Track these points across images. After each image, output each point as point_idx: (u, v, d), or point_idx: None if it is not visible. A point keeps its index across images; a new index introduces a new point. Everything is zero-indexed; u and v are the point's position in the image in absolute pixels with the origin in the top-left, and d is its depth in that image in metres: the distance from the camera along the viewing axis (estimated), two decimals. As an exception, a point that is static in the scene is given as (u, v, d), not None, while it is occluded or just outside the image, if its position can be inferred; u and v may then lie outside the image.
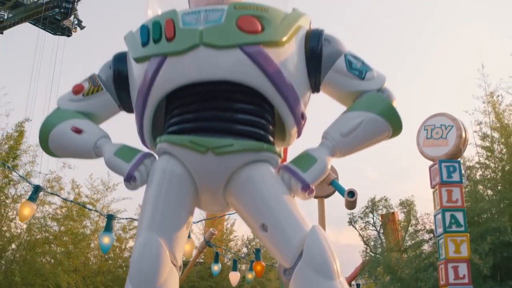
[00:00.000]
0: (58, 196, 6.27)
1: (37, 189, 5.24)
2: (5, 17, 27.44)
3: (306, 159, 2.10)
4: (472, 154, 9.35)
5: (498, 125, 8.69)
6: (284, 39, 2.09)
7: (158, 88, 2.10)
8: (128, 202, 13.72)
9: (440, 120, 6.50)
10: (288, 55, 2.12)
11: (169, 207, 2.04)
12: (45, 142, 2.31)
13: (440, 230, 6.21)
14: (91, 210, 6.95)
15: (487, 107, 8.96)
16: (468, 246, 6.07)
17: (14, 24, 27.49)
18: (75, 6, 28.86)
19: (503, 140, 8.50)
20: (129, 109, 2.36)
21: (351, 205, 5.26)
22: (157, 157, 2.20)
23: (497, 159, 8.48)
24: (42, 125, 2.34)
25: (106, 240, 5.46)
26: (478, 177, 8.41)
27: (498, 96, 8.95)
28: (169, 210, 2.04)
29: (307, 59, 2.20)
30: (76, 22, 30.15)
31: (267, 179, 2.07)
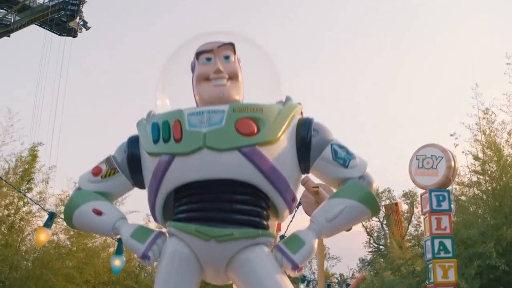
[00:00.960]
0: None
1: (51, 216, 5.62)
2: (12, 21, 27.86)
3: (296, 241, 2.44)
4: (464, 171, 9.75)
5: (490, 144, 9.09)
6: (278, 136, 2.41)
7: (168, 183, 2.45)
8: (136, 215, 14.11)
9: (431, 151, 6.90)
10: (280, 149, 2.44)
11: (179, 284, 2.42)
12: (70, 220, 2.66)
13: (429, 256, 6.61)
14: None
15: (480, 124, 9.36)
16: (455, 271, 6.48)
17: (21, 27, 27.91)
18: (81, 8, 29.27)
19: (495, 159, 8.89)
20: (141, 187, 2.69)
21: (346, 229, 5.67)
22: (167, 235, 2.55)
23: (488, 178, 8.88)
24: (66, 206, 2.71)
25: (117, 262, 5.85)
26: (470, 194, 8.85)
27: (491, 114, 9.36)
28: (179, 286, 2.43)
29: (298, 147, 2.52)
30: (81, 23, 30.59)
31: (262, 260, 2.42)
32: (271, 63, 2.91)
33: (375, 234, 48.04)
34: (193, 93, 2.67)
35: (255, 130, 2.37)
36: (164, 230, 2.63)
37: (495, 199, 8.15)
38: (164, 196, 2.51)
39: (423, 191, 6.94)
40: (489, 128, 9.34)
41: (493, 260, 7.16)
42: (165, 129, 2.44)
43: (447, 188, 6.80)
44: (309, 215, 2.61)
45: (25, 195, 6.47)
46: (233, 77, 2.62)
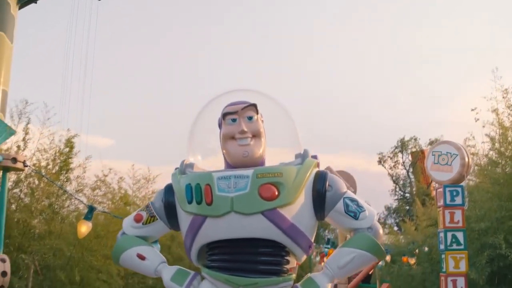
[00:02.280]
0: (106, 213, 7.19)
1: (91, 209, 6.13)
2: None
3: (311, 284, 2.84)
4: (484, 148, 9.99)
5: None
6: (296, 197, 2.78)
7: (201, 239, 2.85)
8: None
9: (446, 148, 7.22)
10: (299, 206, 2.81)
11: None
12: (117, 261, 3.05)
13: (442, 247, 7.06)
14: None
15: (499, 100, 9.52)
16: (466, 262, 6.93)
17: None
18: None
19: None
20: (177, 229, 3.06)
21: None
22: (202, 274, 2.95)
23: (506, 159, 9.16)
24: (114, 249, 3.04)
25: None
26: (485, 173, 9.15)
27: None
28: None
29: (314, 199, 2.87)
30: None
31: None
32: (288, 116, 3.29)
33: (401, 182, 48.52)
34: (221, 147, 3.03)
35: (276, 194, 2.74)
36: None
37: (509, 187, 8.48)
38: (198, 248, 2.92)
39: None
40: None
41: (503, 250, 7.62)
42: (197, 192, 2.82)
43: (460, 184, 7.14)
44: None
45: (65, 190, 6.99)
46: (256, 135, 2.96)
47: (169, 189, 3.06)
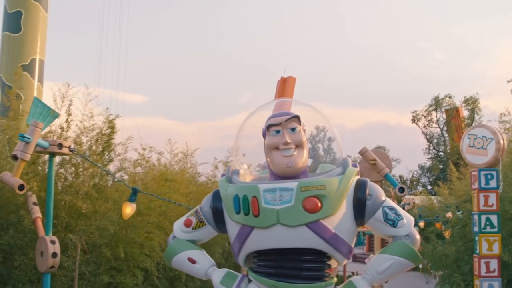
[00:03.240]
0: (149, 194, 7.47)
1: (135, 191, 6.41)
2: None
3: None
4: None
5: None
6: (337, 208, 2.98)
7: (248, 247, 3.10)
8: (205, 167, 14.81)
9: (482, 132, 7.27)
10: (340, 216, 3.00)
11: None
12: (169, 263, 3.37)
13: (476, 229, 7.19)
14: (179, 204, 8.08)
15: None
16: (499, 245, 7.07)
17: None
18: None
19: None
20: (225, 233, 3.31)
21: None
22: (249, 277, 3.21)
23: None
24: (166, 252, 3.37)
25: (128, 210, 6.48)
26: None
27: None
28: None
29: (354, 206, 3.06)
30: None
31: None
32: (329, 125, 3.55)
33: (435, 140, 48.09)
34: (265, 156, 3.23)
35: (319, 207, 2.93)
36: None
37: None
38: (246, 254, 3.17)
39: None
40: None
41: (534, 233, 7.74)
42: (245, 204, 3.03)
43: (495, 167, 7.21)
44: (365, 177, 3.21)
45: (109, 173, 7.26)
46: (299, 145, 3.14)
47: (217, 196, 3.28)
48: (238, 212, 3.07)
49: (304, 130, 3.22)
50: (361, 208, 3.07)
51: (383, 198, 3.14)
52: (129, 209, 6.39)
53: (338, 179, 3.06)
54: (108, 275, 8.00)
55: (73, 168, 7.90)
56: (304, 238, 2.96)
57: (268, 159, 3.20)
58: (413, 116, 47.99)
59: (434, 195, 24.22)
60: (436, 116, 47.39)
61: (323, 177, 3.13)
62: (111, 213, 8.29)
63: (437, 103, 46.95)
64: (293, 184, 3.00)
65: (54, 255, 6.14)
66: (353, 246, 3.19)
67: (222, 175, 3.38)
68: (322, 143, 3.94)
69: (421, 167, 49.21)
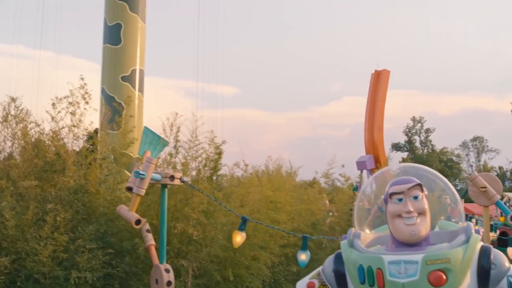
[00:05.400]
0: (258, 222, 7.51)
1: (244, 220, 6.48)
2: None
3: None
4: None
5: None
6: (462, 279, 2.90)
7: None
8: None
9: None
10: (465, 286, 2.91)
11: None
12: None
13: None
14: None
15: None
16: None
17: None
18: None
19: None
20: None
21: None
22: None
23: None
24: None
25: (303, 257, 6.58)
26: None
27: None
28: None
29: (478, 274, 2.96)
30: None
31: None
32: (450, 190, 3.45)
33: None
34: (387, 222, 3.19)
35: (444, 280, 2.86)
36: None
37: None
38: None
39: None
40: None
41: None
42: (370, 276, 3.01)
43: None
44: (475, 202, 3.12)
45: (219, 203, 7.35)
46: (422, 213, 3.09)
47: (339, 259, 3.29)
48: (362, 283, 3.05)
49: (426, 196, 3.15)
50: (485, 276, 2.96)
51: (507, 266, 3.02)
52: (239, 238, 6.47)
53: (462, 250, 2.98)
54: (218, 298, 8.19)
55: (183, 195, 8.08)
56: None
57: (390, 226, 3.15)
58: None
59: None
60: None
61: (447, 249, 3.01)
62: (220, 238, 8.42)
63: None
64: (417, 256, 2.94)
65: (168, 283, 6.33)
66: None
67: (344, 237, 3.36)
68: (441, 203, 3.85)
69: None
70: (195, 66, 20.39)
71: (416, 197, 3.09)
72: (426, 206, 3.11)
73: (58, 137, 7.97)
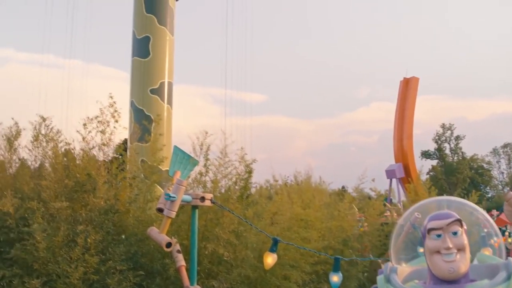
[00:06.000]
0: (292, 244, 7.39)
1: (275, 242, 6.36)
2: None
3: None
4: None
5: None
6: None
7: None
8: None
9: None
10: None
11: None
12: None
13: None
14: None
15: None
16: None
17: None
18: None
19: None
20: None
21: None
22: None
23: None
24: None
25: (335, 279, 6.45)
26: None
27: None
28: None
29: None
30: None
31: None
32: (489, 223, 3.46)
33: None
34: (425, 258, 3.08)
35: None
36: None
37: None
38: None
39: None
40: None
41: None
42: None
43: None
44: (510, 221, 3.11)
45: (250, 224, 7.25)
46: (461, 249, 2.96)
47: None
48: None
49: (465, 231, 3.03)
50: None
51: None
52: (270, 259, 6.35)
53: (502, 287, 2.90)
54: (250, 318, 8.09)
55: (213, 215, 8.00)
56: None
57: (428, 262, 3.03)
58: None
59: None
60: None
61: (488, 287, 2.90)
62: (250, 258, 8.32)
63: None
64: None
65: (199, 304, 6.25)
66: None
67: (380, 271, 3.27)
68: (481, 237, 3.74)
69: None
70: (223, 73, 20.42)
71: (455, 233, 2.98)
72: (466, 241, 2.99)
73: (89, 156, 7.97)
